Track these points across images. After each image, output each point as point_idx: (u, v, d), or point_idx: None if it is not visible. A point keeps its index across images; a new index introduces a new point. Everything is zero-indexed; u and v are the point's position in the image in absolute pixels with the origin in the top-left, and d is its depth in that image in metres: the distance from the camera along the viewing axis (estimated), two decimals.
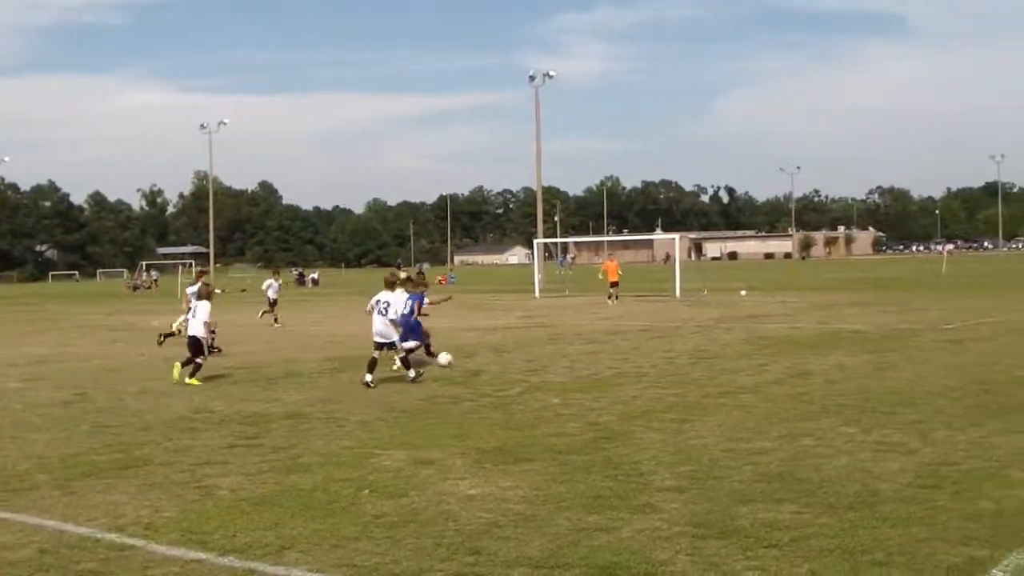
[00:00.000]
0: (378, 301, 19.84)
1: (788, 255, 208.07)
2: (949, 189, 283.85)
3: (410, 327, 21.03)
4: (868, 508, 9.29)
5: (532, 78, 77.08)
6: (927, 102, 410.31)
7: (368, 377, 19.05)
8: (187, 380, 20.18)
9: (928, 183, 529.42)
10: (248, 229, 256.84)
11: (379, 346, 19.72)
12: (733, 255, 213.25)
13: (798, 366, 20.44)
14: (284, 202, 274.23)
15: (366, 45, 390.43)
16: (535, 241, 71.60)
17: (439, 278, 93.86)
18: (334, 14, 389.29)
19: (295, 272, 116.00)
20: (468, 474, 11.30)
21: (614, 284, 48.28)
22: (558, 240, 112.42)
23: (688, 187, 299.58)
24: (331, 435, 14.07)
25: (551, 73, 77.95)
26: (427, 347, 22.45)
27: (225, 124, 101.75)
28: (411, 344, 21.03)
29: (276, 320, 36.90)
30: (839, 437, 12.79)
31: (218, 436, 14.25)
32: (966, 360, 20.50)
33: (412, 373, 19.61)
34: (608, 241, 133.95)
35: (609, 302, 47.01)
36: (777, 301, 45.83)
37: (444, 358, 21.32)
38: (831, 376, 18.75)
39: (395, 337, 19.91)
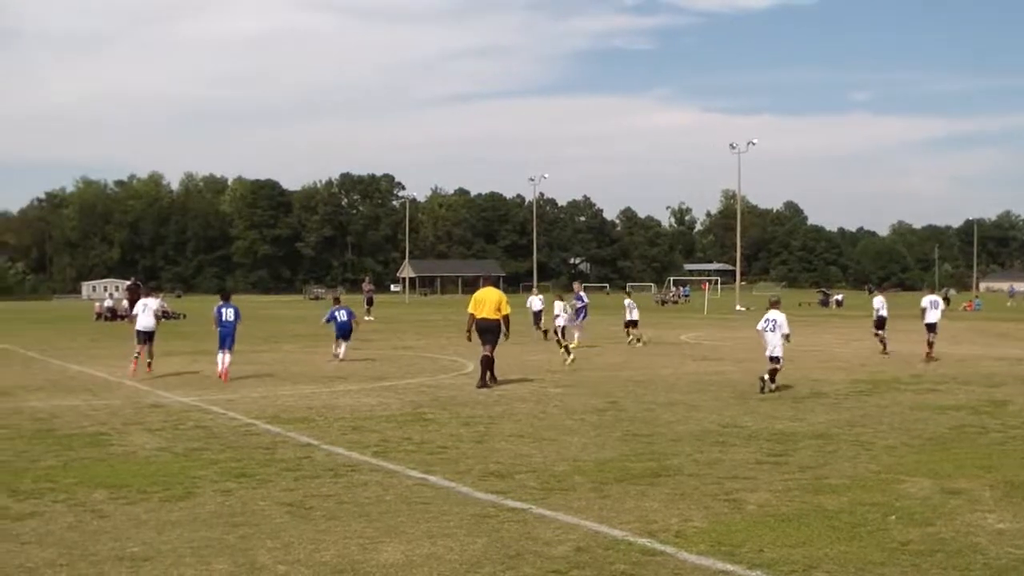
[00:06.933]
0: (767, 320, 22.39)
1: None
2: None
3: None
4: None
5: None
6: None
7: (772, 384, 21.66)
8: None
9: None
10: (772, 248, 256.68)
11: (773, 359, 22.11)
12: None
13: None
14: (809, 222, 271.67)
15: (887, 67, 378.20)
16: None
17: (964, 304, 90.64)
18: (859, 36, 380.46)
19: (819, 292, 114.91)
20: (997, 507, 10.89)
21: None
22: None
23: None
24: (857, 458, 13.93)
25: None
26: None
27: (754, 144, 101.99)
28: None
29: None
30: None
31: (746, 451, 14.49)
32: None
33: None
34: None
35: None
36: None
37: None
38: None
39: (779, 352, 22.12)
